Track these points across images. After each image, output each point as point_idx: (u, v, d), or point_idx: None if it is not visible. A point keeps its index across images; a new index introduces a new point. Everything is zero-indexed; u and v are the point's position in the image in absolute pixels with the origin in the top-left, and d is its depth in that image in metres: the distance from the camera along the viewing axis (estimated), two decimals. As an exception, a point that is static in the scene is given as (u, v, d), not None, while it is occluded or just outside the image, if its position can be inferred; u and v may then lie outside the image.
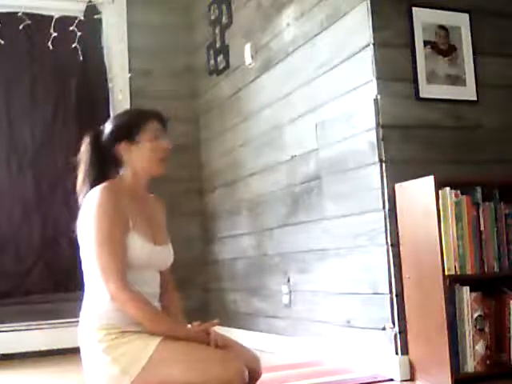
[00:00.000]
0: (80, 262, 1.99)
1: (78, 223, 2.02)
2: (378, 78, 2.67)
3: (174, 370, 1.82)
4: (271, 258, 3.53)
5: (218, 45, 4.12)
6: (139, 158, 2.02)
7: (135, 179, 2.05)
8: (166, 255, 2.07)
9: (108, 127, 2.06)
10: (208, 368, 1.81)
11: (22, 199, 3.99)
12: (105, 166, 2.06)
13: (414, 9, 2.73)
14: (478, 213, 2.48)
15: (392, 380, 2.52)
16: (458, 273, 2.42)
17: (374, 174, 2.66)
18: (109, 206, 1.91)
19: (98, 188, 1.94)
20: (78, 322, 2.03)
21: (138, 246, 1.93)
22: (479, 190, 2.50)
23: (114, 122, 2.08)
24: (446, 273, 2.38)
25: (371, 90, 2.69)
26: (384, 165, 2.63)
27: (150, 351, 1.83)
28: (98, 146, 2.05)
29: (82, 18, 4.24)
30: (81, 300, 2.06)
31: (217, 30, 4.13)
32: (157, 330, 1.88)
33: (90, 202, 1.94)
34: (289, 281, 3.33)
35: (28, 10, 4.11)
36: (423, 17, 2.74)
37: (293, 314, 3.30)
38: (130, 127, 2.03)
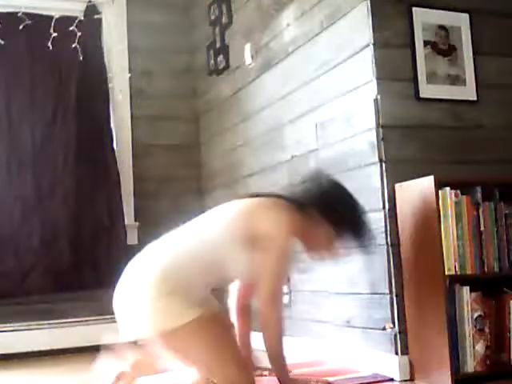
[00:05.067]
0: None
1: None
2: (378, 78, 2.67)
3: (199, 349, 1.94)
4: (271, 258, 3.52)
5: (218, 45, 4.12)
6: (312, 230, 2.29)
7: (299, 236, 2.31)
8: None
9: (337, 190, 2.34)
10: (227, 366, 1.86)
11: (21, 199, 3.99)
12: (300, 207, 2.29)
13: (413, 9, 2.73)
14: (478, 213, 2.48)
15: (392, 380, 2.52)
16: (458, 273, 2.42)
17: (374, 174, 2.66)
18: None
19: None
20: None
21: None
22: (479, 189, 2.49)
23: (345, 200, 2.33)
24: (446, 273, 2.38)
25: (371, 90, 2.69)
26: (384, 165, 2.63)
27: (191, 317, 1.95)
28: (318, 189, 2.33)
29: (82, 18, 4.23)
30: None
31: (217, 30, 4.13)
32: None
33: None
34: (289, 281, 3.33)
35: (28, 10, 4.11)
36: (423, 17, 2.74)
37: (293, 314, 3.30)
38: (342, 214, 2.29)
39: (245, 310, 2.43)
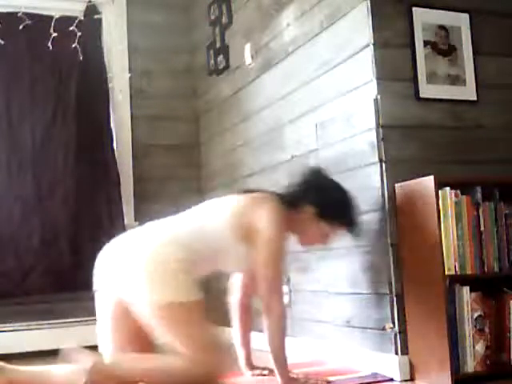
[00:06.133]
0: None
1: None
2: (378, 78, 2.67)
3: (190, 328, 2.09)
4: (271, 258, 3.52)
5: (218, 45, 4.12)
6: (307, 226, 2.47)
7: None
8: None
9: (326, 182, 2.54)
10: (206, 352, 2.06)
11: (21, 199, 3.99)
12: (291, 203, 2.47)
13: (413, 9, 2.73)
14: (478, 213, 2.48)
15: (392, 380, 2.52)
16: (458, 273, 2.42)
17: (373, 174, 2.66)
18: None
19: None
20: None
21: None
22: (479, 189, 2.49)
23: (333, 189, 2.51)
24: (446, 273, 2.38)
25: (371, 90, 2.69)
26: (384, 165, 2.63)
27: (196, 297, 2.12)
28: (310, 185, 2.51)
29: (82, 18, 4.23)
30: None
31: (217, 30, 4.13)
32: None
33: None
34: (289, 281, 3.33)
35: (28, 10, 4.11)
36: (423, 17, 2.74)
37: (293, 314, 3.30)
38: (336, 214, 2.46)
39: (246, 309, 2.49)
